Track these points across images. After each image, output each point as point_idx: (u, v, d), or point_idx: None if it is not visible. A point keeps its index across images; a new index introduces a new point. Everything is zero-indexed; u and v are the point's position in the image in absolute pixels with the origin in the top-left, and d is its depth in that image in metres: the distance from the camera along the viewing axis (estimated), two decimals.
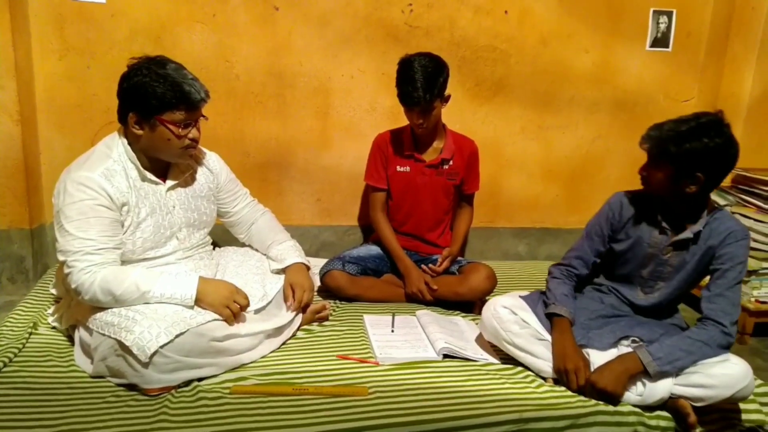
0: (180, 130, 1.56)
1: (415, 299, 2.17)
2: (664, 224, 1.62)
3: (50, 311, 1.81)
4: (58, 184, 1.57)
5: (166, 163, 1.67)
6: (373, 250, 2.32)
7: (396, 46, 2.51)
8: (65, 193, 1.52)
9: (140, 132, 1.55)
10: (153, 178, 1.64)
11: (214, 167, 1.83)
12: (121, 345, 1.41)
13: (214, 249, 1.93)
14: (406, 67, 2.04)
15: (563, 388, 1.57)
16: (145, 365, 1.39)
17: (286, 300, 1.80)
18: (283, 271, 1.87)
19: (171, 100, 1.51)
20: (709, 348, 1.49)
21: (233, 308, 1.58)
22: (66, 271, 1.50)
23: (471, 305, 2.15)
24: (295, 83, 2.48)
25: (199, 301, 1.55)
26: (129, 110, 1.54)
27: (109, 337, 1.44)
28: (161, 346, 1.39)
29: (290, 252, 1.91)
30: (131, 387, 1.46)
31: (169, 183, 1.68)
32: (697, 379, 1.47)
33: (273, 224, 2.00)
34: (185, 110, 1.55)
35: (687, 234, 1.58)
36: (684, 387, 1.48)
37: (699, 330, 1.52)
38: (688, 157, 1.46)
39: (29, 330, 1.71)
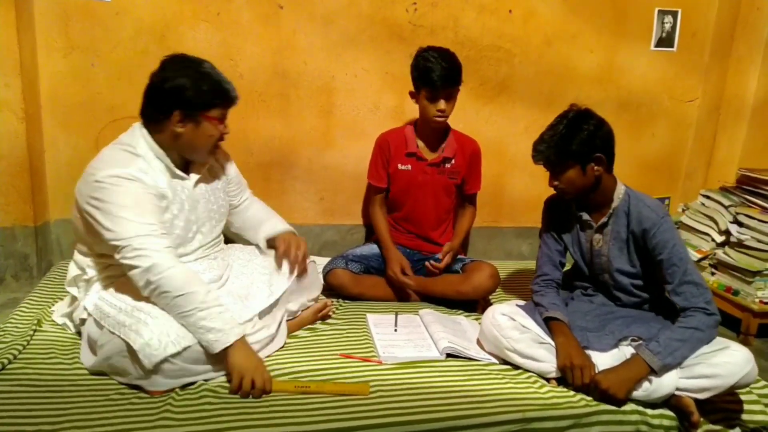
0: (219, 126, 1.62)
1: (400, 292, 2.17)
2: (585, 217, 1.73)
3: (59, 308, 1.81)
4: (84, 189, 1.51)
5: (186, 160, 1.68)
6: (376, 248, 2.32)
7: (400, 46, 2.51)
8: (104, 190, 1.47)
9: (182, 129, 1.56)
10: (181, 173, 1.64)
11: (223, 160, 1.86)
12: (129, 347, 1.41)
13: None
14: (430, 51, 2.09)
15: (566, 389, 1.57)
16: (151, 371, 1.40)
17: (285, 257, 1.79)
18: (273, 242, 1.87)
19: (214, 97, 1.57)
20: (702, 332, 1.51)
21: (245, 385, 1.44)
22: (132, 254, 1.44)
23: (474, 304, 2.14)
24: (298, 82, 2.48)
25: (224, 354, 1.47)
26: (173, 108, 1.54)
27: (119, 337, 1.44)
28: (168, 356, 1.40)
29: (281, 224, 1.93)
30: (134, 386, 1.46)
31: (194, 177, 1.69)
32: (700, 369, 1.47)
33: (267, 209, 2.01)
34: (224, 107, 1.61)
35: (604, 219, 1.70)
36: (688, 379, 1.48)
37: (685, 319, 1.55)
38: (582, 146, 1.61)
39: (33, 327, 1.72)
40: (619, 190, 1.69)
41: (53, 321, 1.78)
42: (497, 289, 2.21)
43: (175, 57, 1.60)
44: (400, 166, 2.24)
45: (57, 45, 2.27)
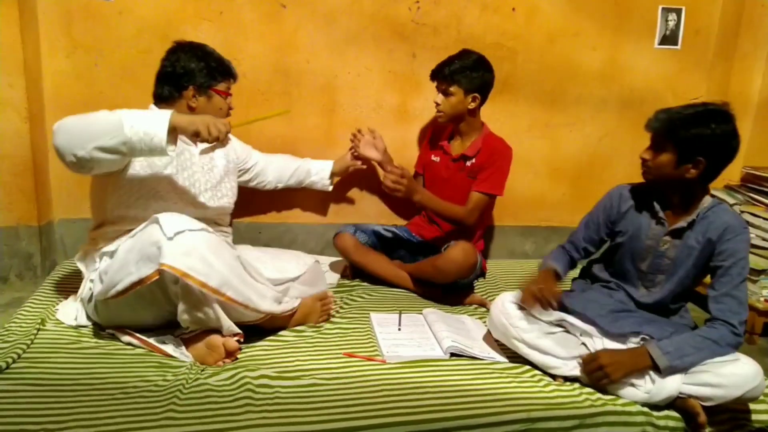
0: (227, 99, 1.85)
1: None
2: (660, 214, 1.64)
3: (63, 307, 1.83)
4: None
5: None
6: (393, 231, 2.38)
7: (402, 44, 2.51)
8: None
9: (195, 104, 1.78)
10: (188, 140, 1.81)
11: (229, 146, 2.05)
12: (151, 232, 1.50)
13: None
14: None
15: (571, 387, 1.57)
16: (175, 238, 1.46)
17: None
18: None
19: (221, 72, 1.81)
20: (719, 347, 1.48)
21: (213, 131, 1.56)
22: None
23: (457, 293, 2.15)
24: (301, 81, 2.48)
25: (175, 130, 1.52)
26: (187, 84, 1.75)
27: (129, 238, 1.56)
28: (189, 230, 1.48)
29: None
30: (137, 383, 1.46)
31: (201, 146, 1.85)
32: (706, 378, 1.46)
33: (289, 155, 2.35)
34: (229, 81, 1.85)
35: (681, 223, 1.61)
36: (693, 386, 1.47)
37: (709, 329, 1.52)
38: (693, 140, 1.50)
39: (37, 326, 1.72)
40: (706, 200, 1.60)
41: (57, 320, 1.78)
42: (483, 283, 2.25)
43: (180, 42, 1.81)
44: (432, 157, 2.34)
45: (60, 44, 2.27)
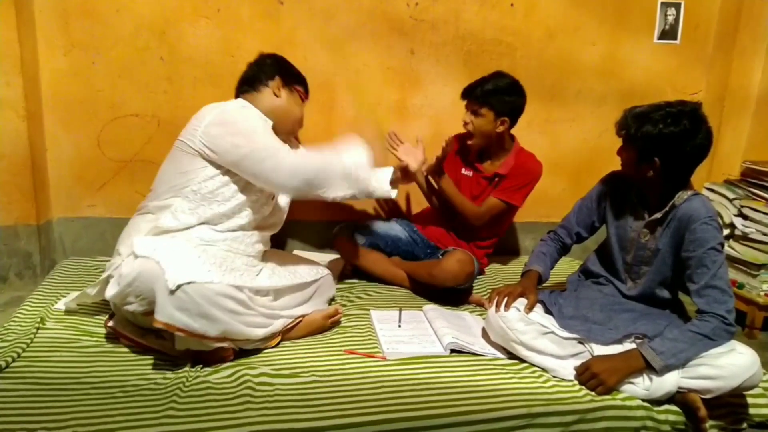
0: (303, 103, 1.93)
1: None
2: (639, 207, 1.68)
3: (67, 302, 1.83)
4: (218, 114, 1.68)
5: None
6: (394, 229, 2.36)
7: (401, 40, 2.50)
8: (236, 122, 1.69)
9: (279, 95, 1.84)
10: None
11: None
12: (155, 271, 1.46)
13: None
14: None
15: (572, 383, 1.57)
16: (171, 292, 1.43)
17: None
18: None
19: (301, 79, 1.93)
20: (711, 341, 1.48)
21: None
22: (274, 160, 1.67)
23: (455, 296, 2.14)
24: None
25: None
26: (276, 75, 1.85)
27: (151, 259, 1.49)
28: (187, 283, 1.44)
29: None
30: (137, 381, 1.47)
31: None
32: (703, 370, 1.46)
33: None
34: (305, 90, 1.95)
35: (656, 215, 1.63)
36: (691, 379, 1.47)
37: (700, 323, 1.50)
38: (644, 140, 1.53)
39: (37, 325, 1.72)
40: (684, 195, 1.59)
41: (57, 318, 1.78)
42: (482, 280, 2.23)
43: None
44: (463, 171, 2.30)
45: (58, 43, 2.26)
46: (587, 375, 1.53)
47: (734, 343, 1.50)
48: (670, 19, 2.70)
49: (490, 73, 2.15)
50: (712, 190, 2.58)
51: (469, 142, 2.20)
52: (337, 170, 1.75)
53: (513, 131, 2.27)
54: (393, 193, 1.91)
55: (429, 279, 2.12)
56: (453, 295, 2.14)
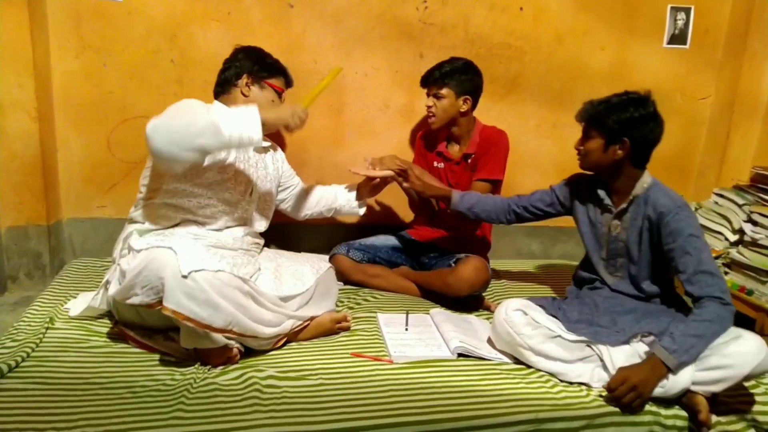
0: (280, 96, 1.91)
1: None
2: (606, 201, 1.75)
3: (74, 304, 1.85)
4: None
5: None
6: (391, 240, 2.35)
7: (410, 44, 2.51)
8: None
9: (248, 92, 1.84)
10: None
11: (280, 158, 2.12)
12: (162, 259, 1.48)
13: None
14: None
15: (579, 388, 1.56)
16: (180, 278, 1.44)
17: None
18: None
19: (276, 69, 1.91)
20: (717, 325, 1.49)
21: (296, 120, 1.65)
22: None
23: (472, 302, 2.13)
24: (308, 81, 2.47)
25: (264, 125, 1.57)
26: (242, 72, 1.84)
27: (157, 247, 1.52)
28: (197, 270, 1.46)
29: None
30: (145, 382, 1.47)
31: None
32: (713, 361, 1.46)
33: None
34: (284, 82, 1.93)
35: (623, 204, 1.71)
36: (702, 372, 1.47)
37: (700, 310, 1.51)
38: (617, 123, 1.64)
39: (46, 325, 1.73)
40: (644, 181, 1.69)
41: (66, 319, 1.79)
42: (490, 285, 2.21)
43: (242, 45, 1.95)
44: (435, 164, 2.31)
45: (69, 45, 2.28)
46: (626, 387, 1.46)
47: (740, 331, 1.50)
48: (680, 23, 2.69)
49: (446, 61, 2.20)
50: (722, 196, 2.57)
51: (434, 126, 2.21)
52: (201, 119, 1.52)
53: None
54: (361, 210, 2.16)
55: (444, 288, 2.10)
56: (467, 302, 2.13)
